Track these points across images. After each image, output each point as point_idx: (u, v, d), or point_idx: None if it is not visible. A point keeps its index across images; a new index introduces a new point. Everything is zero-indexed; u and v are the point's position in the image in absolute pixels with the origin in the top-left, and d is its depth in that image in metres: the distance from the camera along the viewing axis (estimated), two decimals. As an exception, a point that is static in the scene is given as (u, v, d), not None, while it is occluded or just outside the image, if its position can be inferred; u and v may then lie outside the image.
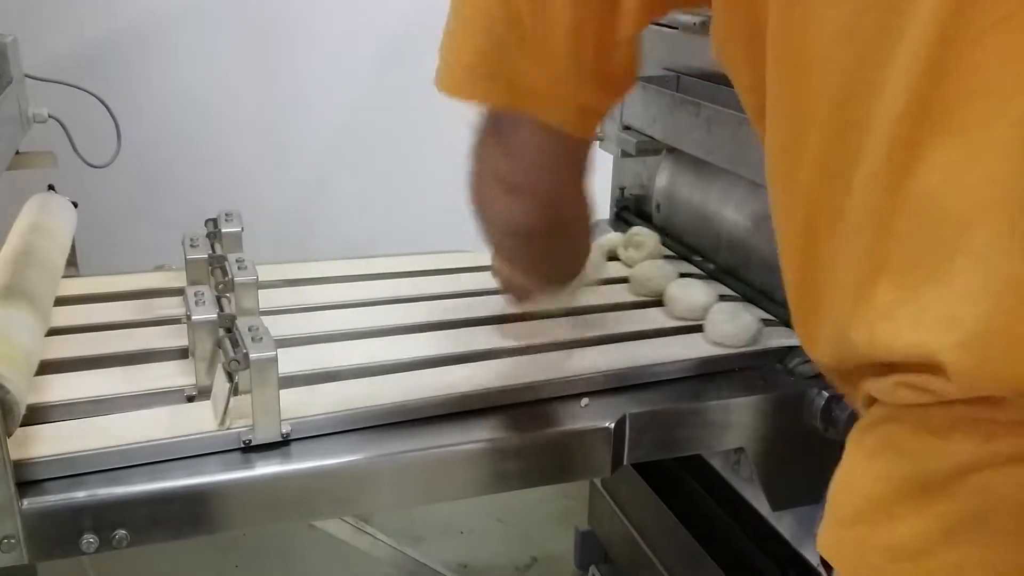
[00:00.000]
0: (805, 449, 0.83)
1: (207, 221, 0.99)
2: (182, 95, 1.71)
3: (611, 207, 1.30)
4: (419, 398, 0.77)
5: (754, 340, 0.89)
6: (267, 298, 0.93)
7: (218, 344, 0.74)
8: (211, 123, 1.76)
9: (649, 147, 1.16)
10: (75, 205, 1.10)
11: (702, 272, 1.09)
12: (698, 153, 1.03)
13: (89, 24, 1.64)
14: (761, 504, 0.98)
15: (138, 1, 1.68)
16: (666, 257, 1.11)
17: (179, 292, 0.93)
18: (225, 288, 0.87)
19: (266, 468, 0.70)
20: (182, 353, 0.84)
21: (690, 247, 1.14)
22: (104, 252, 1.39)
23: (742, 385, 0.86)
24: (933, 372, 0.41)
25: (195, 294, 0.81)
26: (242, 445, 0.71)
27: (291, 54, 1.78)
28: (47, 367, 0.80)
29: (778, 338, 0.91)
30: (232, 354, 0.70)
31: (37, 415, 0.72)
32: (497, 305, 0.98)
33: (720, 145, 0.98)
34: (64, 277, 0.97)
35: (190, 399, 0.77)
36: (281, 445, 0.72)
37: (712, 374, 0.87)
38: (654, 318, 0.96)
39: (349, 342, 0.89)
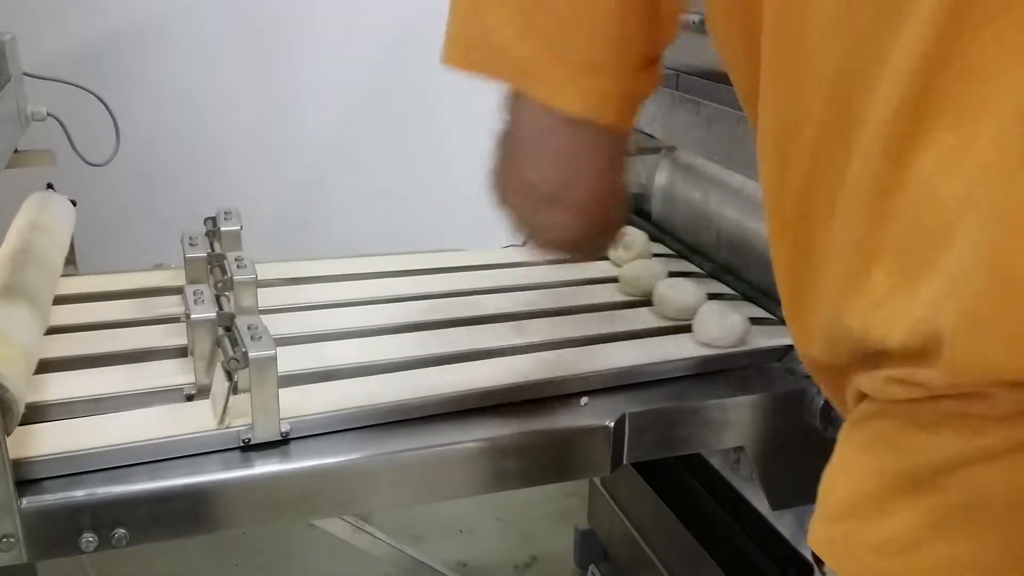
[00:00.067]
0: (805, 448, 0.83)
1: (206, 220, 0.99)
2: (181, 94, 1.71)
3: (611, 206, 1.30)
4: (418, 397, 0.77)
5: (742, 341, 0.88)
6: (266, 297, 0.93)
7: (217, 343, 0.74)
8: (210, 122, 1.76)
9: (648, 145, 1.16)
10: (74, 203, 1.10)
11: (701, 271, 1.09)
12: (697, 151, 1.03)
13: (88, 22, 1.63)
14: (761, 503, 0.98)
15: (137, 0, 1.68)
16: (657, 256, 1.11)
17: (178, 291, 0.93)
18: (224, 287, 0.87)
19: (265, 467, 0.70)
20: (181, 352, 0.84)
21: (689, 246, 1.14)
22: (103, 251, 1.39)
23: (742, 384, 0.86)
24: (925, 361, 0.41)
25: (194, 293, 0.81)
26: (241, 444, 0.71)
27: (290, 53, 1.78)
28: (46, 366, 0.80)
29: (777, 337, 0.90)
30: (231, 353, 0.69)
31: (36, 414, 0.72)
32: (496, 304, 0.98)
33: (720, 143, 0.98)
34: (63, 276, 0.97)
35: (189, 398, 0.77)
36: (280, 444, 0.72)
37: (712, 373, 0.87)
38: (643, 318, 0.96)
39: (348, 341, 0.89)
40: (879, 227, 0.43)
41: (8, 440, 0.63)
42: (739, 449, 0.95)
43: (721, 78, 0.89)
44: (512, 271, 1.08)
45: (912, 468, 0.44)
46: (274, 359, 0.69)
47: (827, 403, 0.81)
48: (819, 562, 0.50)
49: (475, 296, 1.00)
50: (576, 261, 0.81)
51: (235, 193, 1.49)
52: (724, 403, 0.83)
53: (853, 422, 0.50)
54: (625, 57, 0.53)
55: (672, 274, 1.06)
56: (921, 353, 0.41)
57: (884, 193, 0.42)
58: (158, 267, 1.05)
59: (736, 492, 1.07)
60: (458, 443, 0.75)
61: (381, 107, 1.84)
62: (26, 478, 0.65)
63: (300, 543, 1.58)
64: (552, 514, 1.69)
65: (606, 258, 1.10)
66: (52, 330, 0.86)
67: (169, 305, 0.93)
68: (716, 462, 1.11)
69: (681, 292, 0.95)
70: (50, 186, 1.12)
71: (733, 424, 0.84)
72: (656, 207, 1.23)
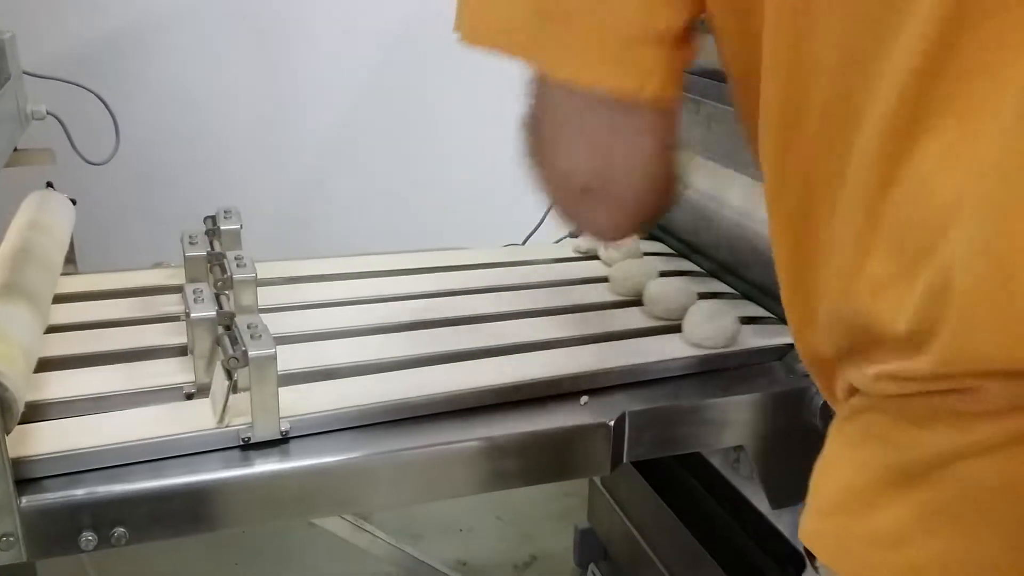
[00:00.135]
0: (805, 447, 0.82)
1: (206, 218, 0.99)
2: (181, 93, 1.71)
3: (611, 205, 1.30)
4: (419, 396, 0.77)
5: (732, 341, 0.88)
6: (266, 296, 0.93)
7: (217, 342, 0.74)
8: (210, 121, 1.76)
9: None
10: (73, 202, 1.10)
11: (701, 270, 1.09)
12: (697, 151, 1.03)
13: (88, 21, 1.63)
14: (761, 502, 0.98)
15: (137, -1, 1.68)
16: (657, 255, 1.11)
17: (178, 289, 0.93)
18: (224, 285, 0.87)
19: (265, 466, 0.70)
20: (181, 351, 0.84)
21: (689, 245, 1.14)
22: (102, 249, 1.39)
23: (742, 383, 0.86)
24: (918, 352, 0.41)
25: (194, 291, 0.81)
26: (241, 443, 0.71)
27: (290, 53, 1.78)
28: (46, 364, 0.79)
29: (778, 336, 0.90)
30: (231, 351, 0.69)
31: (36, 412, 0.72)
32: (497, 303, 0.98)
33: (720, 142, 0.98)
34: (63, 274, 0.97)
35: (189, 397, 0.77)
36: (280, 443, 0.72)
37: (712, 372, 0.87)
38: (634, 318, 0.95)
39: (348, 339, 0.89)
40: (878, 220, 0.43)
41: (7, 439, 0.63)
42: (739, 448, 0.95)
43: (721, 77, 0.89)
44: (512, 270, 1.08)
45: (903, 463, 0.44)
46: (274, 358, 0.69)
47: (827, 402, 0.81)
48: (811, 556, 0.50)
49: (475, 295, 1.00)
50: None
51: (235, 193, 1.48)
52: (724, 402, 0.83)
53: (844, 417, 0.50)
54: (660, 20, 0.46)
55: (671, 273, 1.06)
56: (915, 343, 0.41)
57: (883, 187, 0.42)
58: (158, 266, 1.05)
59: (736, 491, 1.07)
60: (458, 442, 0.75)
61: (381, 107, 1.84)
62: (25, 477, 0.65)
63: (300, 542, 1.58)
64: (552, 513, 1.69)
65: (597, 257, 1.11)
66: (52, 329, 0.86)
67: (169, 304, 0.93)
68: (716, 461, 1.10)
69: (671, 292, 0.95)
70: (50, 185, 1.12)
71: (733, 423, 0.84)
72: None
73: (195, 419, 0.72)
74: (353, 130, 1.85)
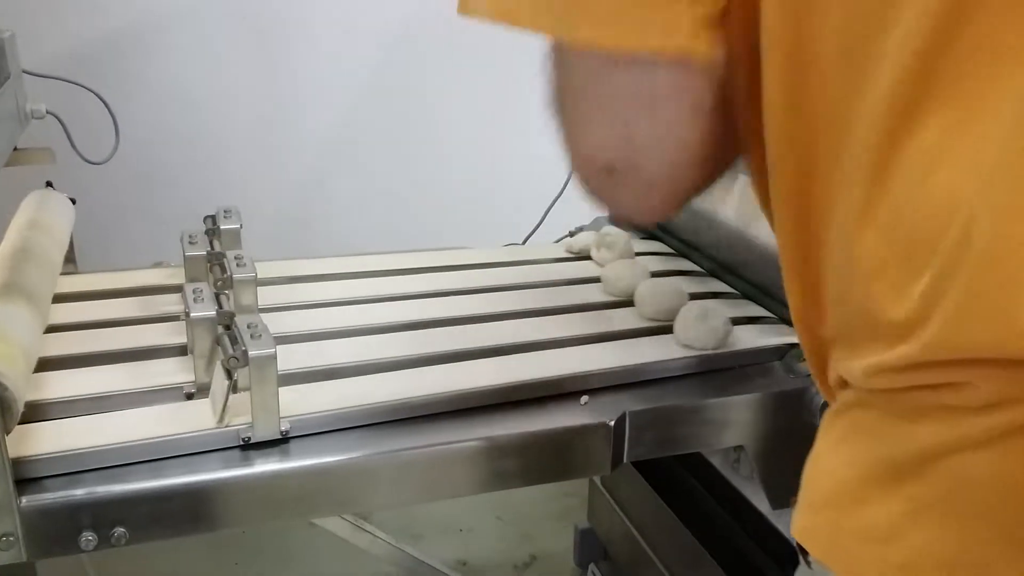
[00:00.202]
0: (805, 447, 0.82)
1: (206, 218, 0.99)
2: (181, 92, 1.71)
3: (611, 205, 1.30)
4: (419, 395, 0.77)
5: (723, 343, 0.88)
6: (266, 295, 0.92)
7: (217, 341, 0.74)
8: (210, 120, 1.75)
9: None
10: (73, 202, 1.10)
11: (701, 269, 1.09)
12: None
13: (88, 21, 1.63)
14: (761, 502, 0.98)
15: (137, -2, 1.68)
16: (658, 255, 1.11)
17: (178, 289, 0.93)
18: (224, 285, 0.86)
19: (265, 466, 0.70)
20: (181, 350, 0.84)
21: (689, 244, 1.14)
22: (102, 249, 1.39)
23: (742, 383, 0.86)
24: (911, 338, 0.41)
25: (194, 291, 0.80)
26: (241, 443, 0.71)
27: (290, 53, 1.78)
28: (45, 364, 0.79)
29: (778, 336, 0.90)
30: (231, 351, 0.69)
31: (36, 412, 0.72)
32: (496, 303, 0.98)
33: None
34: (62, 274, 0.97)
35: (189, 396, 0.77)
36: (280, 443, 0.72)
37: (712, 372, 0.87)
38: (626, 319, 0.95)
39: (348, 339, 0.89)
40: (875, 206, 0.43)
41: (7, 439, 0.63)
42: (739, 448, 0.95)
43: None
44: (512, 270, 1.08)
45: (893, 457, 0.44)
46: (274, 357, 0.69)
47: (821, 393, 0.81)
48: (803, 552, 0.50)
49: (475, 295, 1.00)
50: None
51: (235, 192, 1.48)
52: (724, 402, 0.83)
53: (834, 411, 0.50)
54: None
55: (670, 273, 1.07)
56: (906, 329, 0.41)
57: (881, 172, 0.42)
58: (158, 265, 1.05)
59: (736, 491, 1.07)
60: (458, 442, 0.75)
61: (381, 107, 1.84)
62: (26, 477, 0.65)
63: (300, 542, 1.57)
64: (552, 513, 1.69)
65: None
66: (51, 328, 0.86)
67: (169, 303, 0.93)
68: (716, 461, 1.10)
69: (661, 293, 0.95)
70: (49, 184, 1.11)
71: (733, 423, 0.83)
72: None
73: (195, 419, 0.72)
74: (353, 130, 1.85)
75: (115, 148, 1.28)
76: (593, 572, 1.44)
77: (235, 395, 0.71)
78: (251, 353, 0.69)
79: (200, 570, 1.54)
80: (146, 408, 0.74)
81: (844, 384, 0.49)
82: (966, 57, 0.39)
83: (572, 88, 0.48)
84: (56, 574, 1.08)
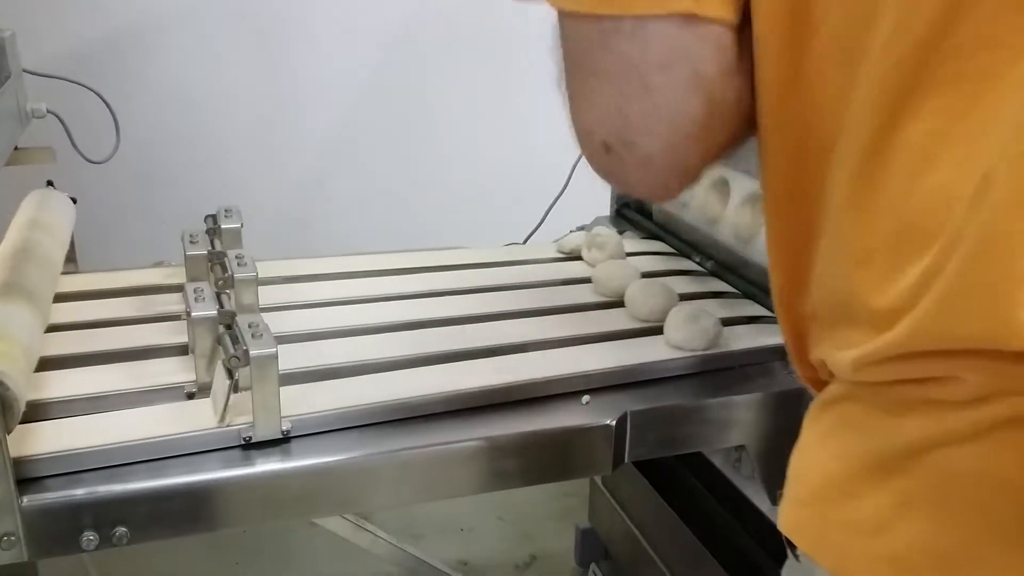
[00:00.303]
0: (806, 446, 0.83)
1: (206, 217, 0.99)
2: (181, 92, 1.71)
3: (611, 204, 1.30)
4: (419, 395, 0.77)
5: (713, 344, 0.88)
6: (266, 295, 0.92)
7: (218, 341, 0.74)
8: (210, 120, 1.76)
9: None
10: (74, 201, 1.10)
11: (702, 269, 1.09)
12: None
13: (88, 20, 1.63)
14: (762, 501, 0.98)
15: (137, -2, 1.68)
16: (658, 254, 1.11)
17: (179, 288, 0.92)
18: (225, 284, 0.86)
19: (266, 465, 0.70)
20: (182, 350, 0.84)
21: (690, 243, 1.14)
22: (103, 248, 1.39)
23: (743, 383, 0.86)
24: (895, 325, 0.41)
25: (195, 290, 0.80)
26: (242, 442, 0.71)
27: (290, 53, 1.78)
28: (46, 364, 0.79)
29: (778, 336, 0.90)
30: (232, 351, 0.69)
31: (37, 412, 0.72)
32: (497, 303, 0.98)
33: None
34: (63, 273, 0.97)
35: (190, 396, 0.77)
36: (281, 442, 0.72)
37: (713, 372, 0.87)
38: (618, 319, 0.95)
39: (349, 339, 0.89)
40: (864, 193, 0.43)
41: (9, 438, 0.63)
42: (740, 448, 0.95)
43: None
44: (513, 270, 1.08)
45: (880, 451, 0.44)
46: (275, 357, 0.69)
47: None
48: (791, 545, 0.50)
49: (476, 295, 1.00)
50: None
51: (235, 192, 1.48)
52: (725, 402, 0.83)
53: (819, 405, 0.50)
54: None
55: (670, 273, 1.06)
56: (891, 318, 0.41)
57: (873, 159, 0.42)
58: (158, 265, 1.05)
59: (737, 491, 1.07)
60: (459, 442, 0.75)
61: (381, 107, 1.84)
62: (27, 476, 0.65)
63: (301, 541, 1.57)
64: (553, 513, 1.69)
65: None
66: (52, 328, 0.86)
67: (170, 303, 0.93)
68: (717, 461, 1.10)
69: (651, 294, 0.94)
70: (50, 183, 1.11)
71: (735, 423, 0.83)
72: (657, 205, 1.23)
73: (196, 418, 0.72)
74: (353, 130, 1.85)
75: (116, 147, 1.28)
76: (594, 572, 1.44)
77: (236, 395, 0.71)
78: (252, 353, 0.68)
79: (201, 570, 1.54)
80: (147, 408, 0.74)
81: (829, 375, 0.49)
82: (960, 52, 0.39)
83: (571, 61, 0.47)
84: (57, 573, 1.08)
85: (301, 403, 0.74)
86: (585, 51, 0.45)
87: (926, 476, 0.42)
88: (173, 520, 0.68)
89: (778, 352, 0.89)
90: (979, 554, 0.41)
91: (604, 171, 0.49)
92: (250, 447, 0.71)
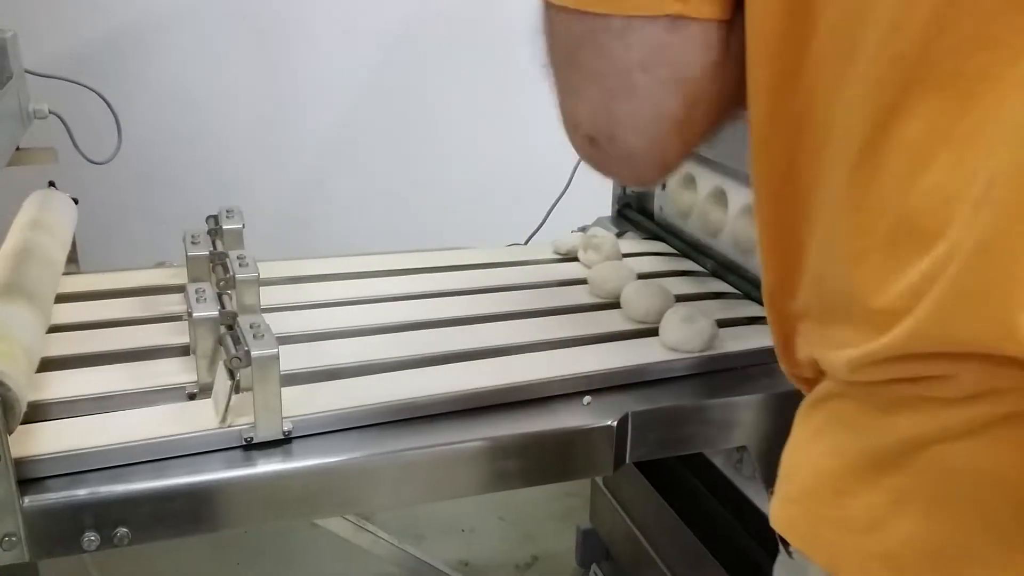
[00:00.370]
0: (808, 447, 0.83)
1: (208, 218, 0.99)
2: (183, 92, 1.71)
3: (613, 204, 1.30)
4: (420, 396, 0.77)
5: (708, 345, 0.87)
6: (268, 295, 0.92)
7: (219, 341, 0.74)
8: (211, 120, 1.76)
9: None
10: (76, 201, 1.10)
11: (704, 269, 1.09)
12: (699, 150, 1.03)
13: (89, 21, 1.63)
14: (763, 502, 0.98)
15: (138, -2, 1.68)
16: (659, 255, 1.11)
17: (180, 289, 0.93)
18: (226, 285, 0.86)
19: (268, 466, 0.70)
20: (183, 350, 0.84)
21: (691, 244, 1.14)
22: (105, 249, 1.39)
23: (745, 383, 0.86)
24: (893, 326, 0.41)
25: (196, 291, 0.80)
26: (244, 443, 0.71)
27: (291, 52, 1.78)
28: (48, 364, 0.79)
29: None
30: (233, 351, 0.69)
31: (38, 412, 0.72)
32: (498, 303, 0.98)
33: (721, 142, 0.98)
34: (65, 274, 0.97)
35: (191, 396, 0.77)
36: (283, 443, 0.72)
37: (714, 372, 0.87)
38: (611, 321, 0.95)
39: (351, 339, 0.89)
40: (859, 192, 0.43)
41: (10, 439, 0.63)
42: (742, 448, 0.95)
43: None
44: (514, 270, 1.08)
45: (873, 449, 0.44)
46: (276, 358, 0.69)
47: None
48: (784, 543, 0.50)
49: (477, 295, 1.00)
50: None
51: (236, 192, 1.49)
52: (727, 402, 0.83)
53: (810, 403, 0.50)
54: None
55: (671, 274, 1.06)
56: (890, 319, 0.41)
57: (868, 157, 0.42)
58: (160, 265, 1.05)
59: (739, 492, 1.07)
60: (461, 442, 0.75)
61: (381, 107, 1.84)
62: (28, 477, 0.65)
63: (302, 542, 1.57)
64: (554, 513, 1.69)
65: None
66: (54, 328, 0.86)
67: (171, 303, 0.93)
68: (719, 461, 1.10)
69: (647, 296, 0.94)
70: (52, 184, 1.11)
71: (736, 423, 0.83)
72: (658, 205, 1.23)
73: (198, 419, 0.72)
74: (353, 130, 1.85)
75: (117, 148, 1.28)
76: (595, 572, 1.44)
77: (237, 395, 0.71)
78: (254, 353, 0.68)
79: (202, 570, 1.54)
80: (148, 408, 0.74)
81: (817, 374, 0.49)
82: (959, 51, 0.39)
83: (558, 54, 0.48)
84: (59, 574, 1.08)
85: (302, 403, 0.74)
86: (572, 46, 0.46)
87: (920, 473, 0.42)
88: (174, 521, 0.68)
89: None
90: (974, 550, 0.41)
91: (588, 160, 0.51)
92: (251, 448, 0.71)
